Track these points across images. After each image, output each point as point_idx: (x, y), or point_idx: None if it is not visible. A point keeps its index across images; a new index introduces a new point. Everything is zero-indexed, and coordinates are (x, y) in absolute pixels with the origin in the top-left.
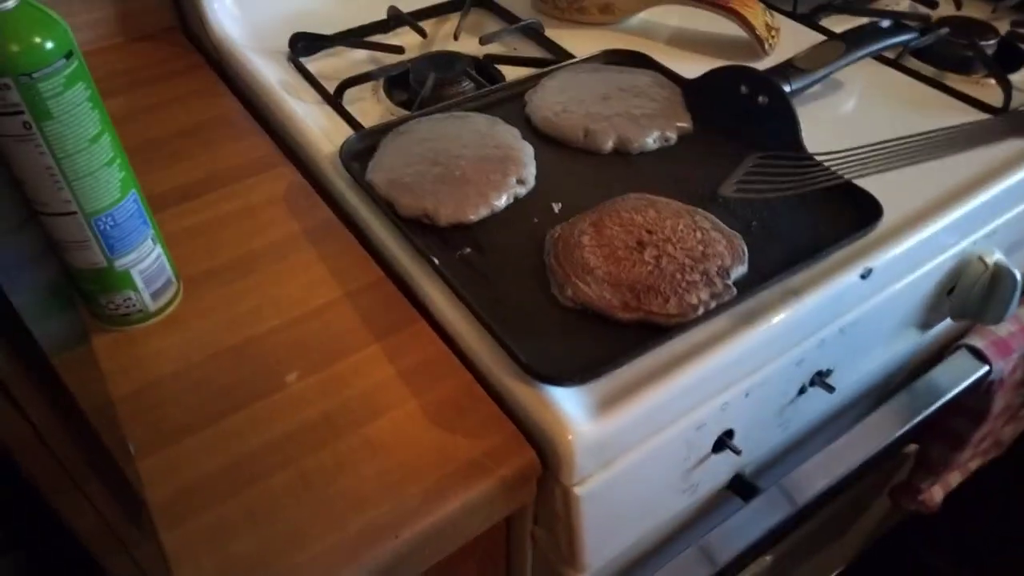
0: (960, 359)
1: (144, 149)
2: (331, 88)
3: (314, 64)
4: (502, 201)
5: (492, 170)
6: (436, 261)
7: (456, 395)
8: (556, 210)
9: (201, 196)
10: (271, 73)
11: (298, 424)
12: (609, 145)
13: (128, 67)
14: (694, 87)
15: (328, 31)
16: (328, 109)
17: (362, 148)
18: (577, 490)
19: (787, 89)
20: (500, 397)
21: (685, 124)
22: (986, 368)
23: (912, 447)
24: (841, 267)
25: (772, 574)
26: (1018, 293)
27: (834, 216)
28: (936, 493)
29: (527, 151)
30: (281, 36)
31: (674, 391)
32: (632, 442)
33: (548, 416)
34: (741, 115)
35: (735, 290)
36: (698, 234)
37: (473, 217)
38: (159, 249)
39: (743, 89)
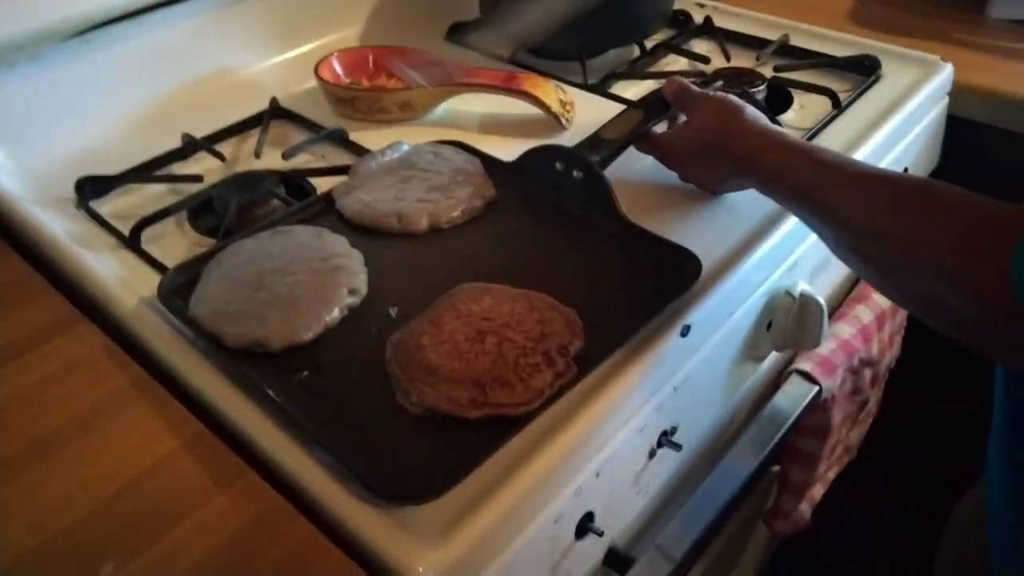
0: (793, 384)
1: None
2: (127, 230)
3: (107, 206)
4: (335, 314)
5: (322, 284)
6: (270, 392)
7: (299, 549)
8: (393, 315)
9: None
10: (56, 225)
11: None
12: (424, 224)
13: None
14: (514, 168)
15: (121, 167)
16: (126, 253)
17: (182, 282)
18: None
19: (596, 159)
20: (347, 542)
21: (490, 192)
22: (816, 388)
23: (775, 468)
24: (661, 329)
25: None
26: (826, 317)
27: (655, 275)
28: (804, 511)
29: (356, 258)
30: (66, 182)
31: (523, 490)
32: (492, 554)
33: (396, 552)
34: (560, 189)
35: (575, 367)
36: (535, 315)
37: (307, 336)
38: None
39: (558, 166)
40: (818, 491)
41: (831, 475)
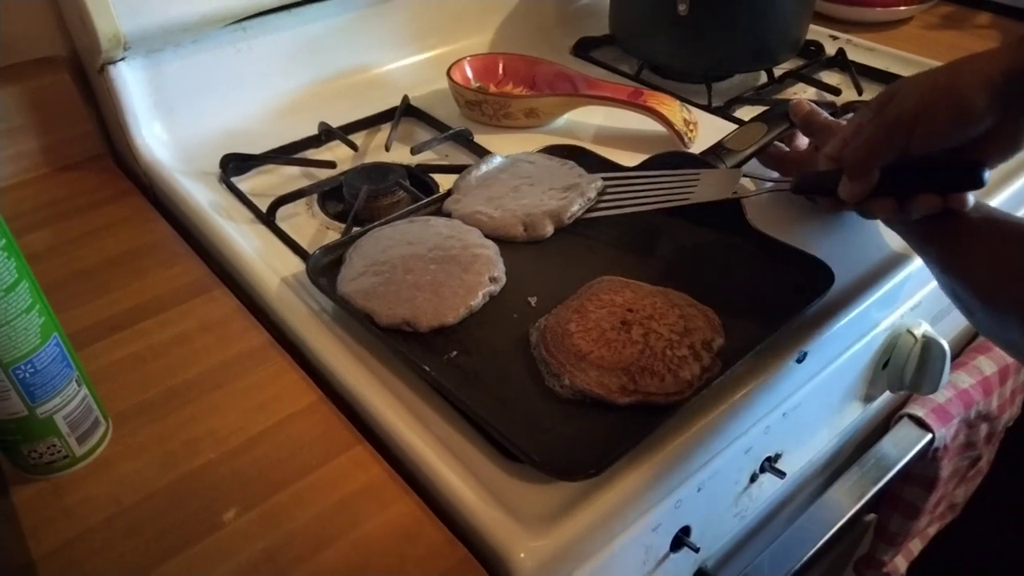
0: (904, 429)
1: (72, 281)
2: (264, 206)
3: (246, 183)
4: (479, 300)
5: (463, 271)
6: (427, 368)
7: (403, 520)
8: (533, 303)
9: (131, 326)
10: (201, 195)
11: (239, 565)
12: (549, 229)
13: (54, 198)
14: (635, 171)
15: (260, 150)
16: (261, 228)
17: (328, 262)
18: None
19: (723, 167)
20: (450, 518)
21: (599, 183)
22: (929, 436)
23: (871, 516)
24: (777, 352)
25: None
26: (948, 362)
27: (785, 282)
28: (899, 564)
29: (493, 249)
30: (212, 157)
31: (626, 494)
32: (589, 552)
33: (499, 534)
34: None
35: (720, 363)
36: (676, 310)
37: (453, 319)
38: (84, 390)
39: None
40: (916, 545)
41: (931, 531)
